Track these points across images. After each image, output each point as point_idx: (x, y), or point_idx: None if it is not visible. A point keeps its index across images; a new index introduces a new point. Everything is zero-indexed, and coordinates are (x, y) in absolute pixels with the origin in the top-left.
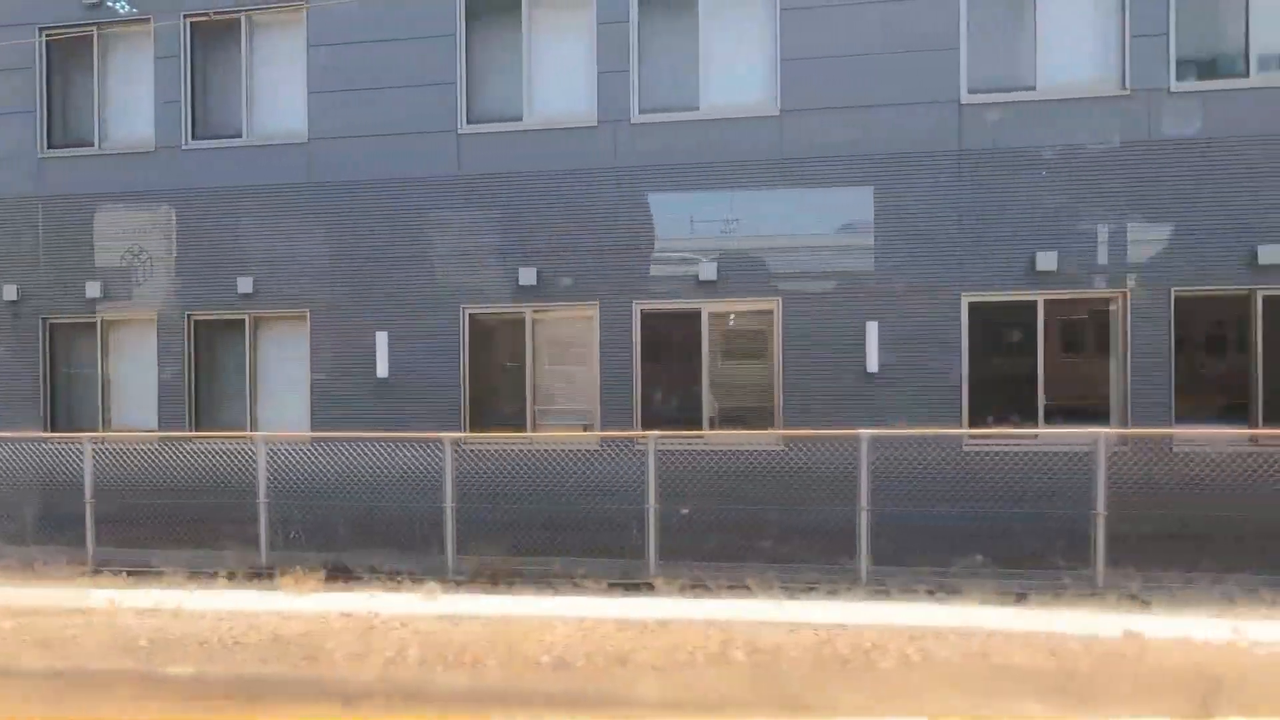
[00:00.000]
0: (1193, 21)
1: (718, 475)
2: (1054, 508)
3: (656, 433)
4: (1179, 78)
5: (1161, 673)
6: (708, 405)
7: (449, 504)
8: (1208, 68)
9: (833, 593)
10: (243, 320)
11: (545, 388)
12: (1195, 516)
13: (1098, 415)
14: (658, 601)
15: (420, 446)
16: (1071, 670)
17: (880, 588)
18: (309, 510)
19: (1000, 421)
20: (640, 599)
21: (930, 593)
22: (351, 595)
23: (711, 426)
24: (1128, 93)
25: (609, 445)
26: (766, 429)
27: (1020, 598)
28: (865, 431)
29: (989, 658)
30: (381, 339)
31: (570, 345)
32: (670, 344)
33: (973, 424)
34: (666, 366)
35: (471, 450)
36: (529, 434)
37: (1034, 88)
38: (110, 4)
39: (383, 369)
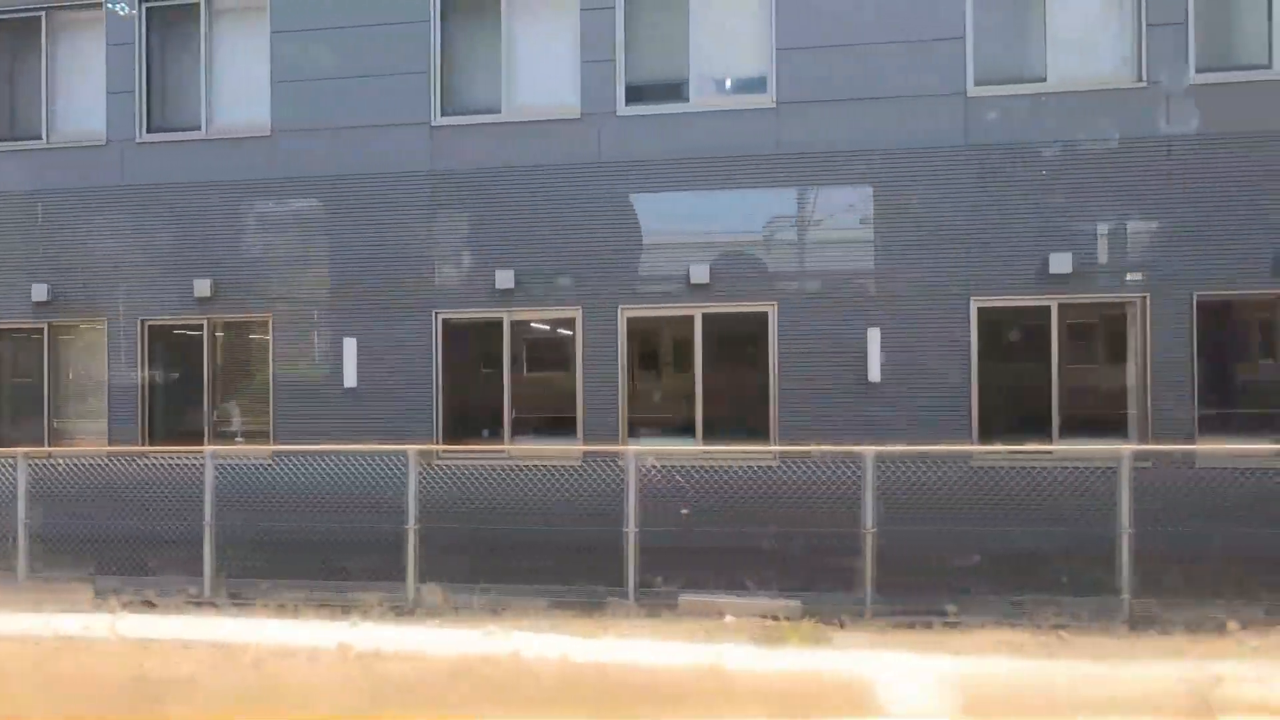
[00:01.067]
0: (640, 50)
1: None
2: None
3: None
4: (627, 101)
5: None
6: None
7: None
8: (656, 93)
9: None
10: None
11: (62, 400)
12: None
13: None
14: None
15: None
16: None
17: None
18: None
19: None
20: None
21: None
22: None
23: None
24: (579, 116)
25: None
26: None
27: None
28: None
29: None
30: None
31: (85, 359)
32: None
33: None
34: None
35: None
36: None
37: (499, 111)
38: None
39: None
